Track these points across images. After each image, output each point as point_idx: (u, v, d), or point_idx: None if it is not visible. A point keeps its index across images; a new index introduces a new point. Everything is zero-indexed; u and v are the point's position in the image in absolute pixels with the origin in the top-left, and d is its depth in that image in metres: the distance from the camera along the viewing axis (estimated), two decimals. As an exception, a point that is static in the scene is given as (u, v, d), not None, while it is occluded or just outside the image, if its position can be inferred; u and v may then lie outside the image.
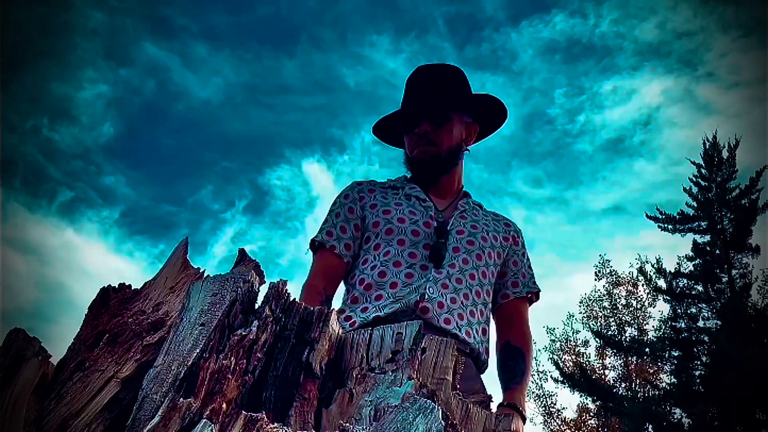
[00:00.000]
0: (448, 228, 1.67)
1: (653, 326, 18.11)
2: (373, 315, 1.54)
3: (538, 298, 1.81)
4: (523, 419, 1.56)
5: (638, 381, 18.63)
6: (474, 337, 1.59)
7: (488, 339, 1.67)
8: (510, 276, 1.77)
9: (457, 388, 1.45)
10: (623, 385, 19.08)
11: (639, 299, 20.18)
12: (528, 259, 1.83)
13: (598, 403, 16.43)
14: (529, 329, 1.79)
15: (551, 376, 18.17)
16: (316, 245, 1.71)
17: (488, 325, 1.68)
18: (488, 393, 1.46)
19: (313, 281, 1.66)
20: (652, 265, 15.77)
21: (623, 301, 20.45)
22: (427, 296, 1.54)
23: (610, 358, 20.10)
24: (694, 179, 15.38)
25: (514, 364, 1.68)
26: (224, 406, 0.69)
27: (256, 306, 0.86)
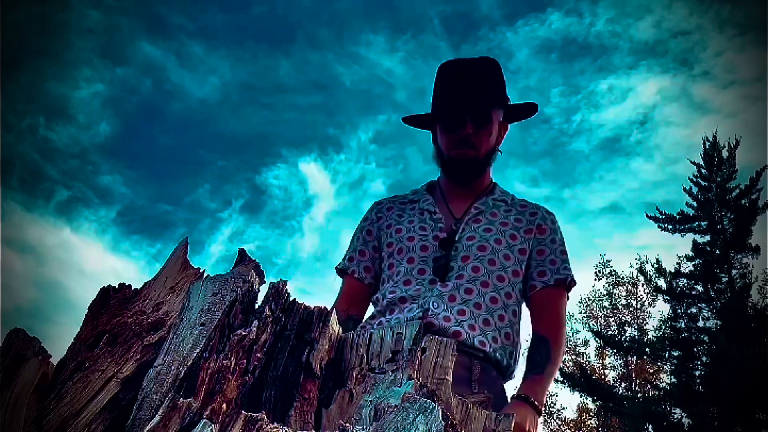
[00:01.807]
0: (458, 237, 1.65)
1: (653, 326, 18.13)
2: None
3: (574, 283, 1.70)
4: (538, 412, 1.49)
5: (638, 381, 18.63)
6: (490, 345, 1.54)
7: (515, 344, 1.62)
8: (535, 266, 1.69)
9: (475, 389, 1.43)
10: (623, 385, 19.08)
11: (639, 299, 20.19)
12: (560, 244, 1.73)
13: (598, 403, 16.42)
14: (562, 319, 1.69)
15: (551, 376, 18.13)
16: (340, 272, 1.78)
17: (513, 330, 1.62)
18: (489, 394, 1.45)
19: (337, 305, 1.72)
20: (652, 265, 15.78)
21: (623, 301, 20.46)
22: (431, 311, 1.53)
23: (610, 358, 20.10)
24: (694, 179, 15.39)
25: (537, 354, 1.62)
26: (224, 406, 0.69)
27: (256, 306, 0.86)
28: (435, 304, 1.55)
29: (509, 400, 1.54)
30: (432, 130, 1.77)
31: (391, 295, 1.61)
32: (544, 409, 1.52)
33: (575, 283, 1.71)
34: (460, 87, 1.66)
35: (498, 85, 1.69)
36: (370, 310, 1.74)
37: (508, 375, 1.60)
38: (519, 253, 1.67)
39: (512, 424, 0.82)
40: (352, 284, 1.76)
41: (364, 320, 1.68)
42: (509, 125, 1.76)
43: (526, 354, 1.64)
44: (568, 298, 1.73)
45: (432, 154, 1.78)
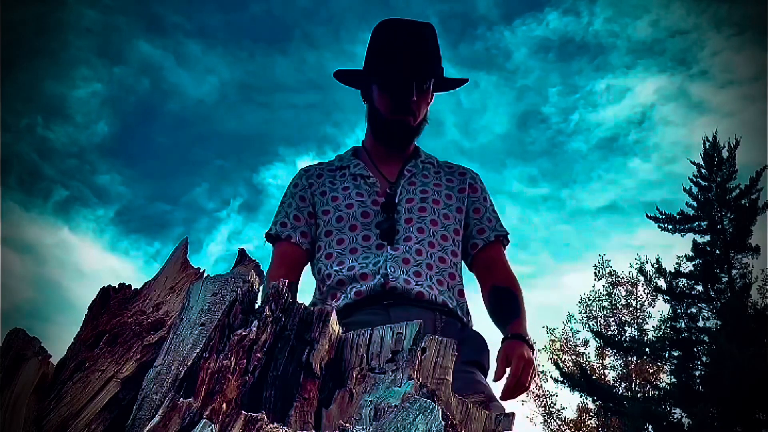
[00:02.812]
0: (397, 199, 1.65)
1: (653, 326, 18.14)
2: (344, 302, 1.54)
3: (508, 241, 1.76)
4: (531, 349, 1.55)
5: (638, 381, 18.63)
6: (452, 301, 1.58)
7: (466, 300, 1.65)
8: (474, 225, 1.73)
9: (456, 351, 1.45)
10: (623, 385, 19.08)
11: (639, 299, 20.19)
12: (491, 204, 1.78)
13: (598, 403, 16.43)
14: (511, 270, 1.74)
15: (551, 376, 18.18)
16: (272, 238, 1.72)
17: (462, 286, 1.66)
18: (489, 394, 1.46)
19: (274, 272, 1.66)
20: (652, 265, 15.79)
21: (623, 301, 20.46)
22: (391, 276, 1.53)
23: (610, 358, 20.10)
24: (694, 179, 15.40)
25: (507, 302, 1.66)
26: (224, 406, 0.69)
27: (256, 306, 0.86)
28: (392, 268, 1.54)
29: (500, 343, 1.58)
30: (365, 89, 1.74)
31: (340, 267, 1.58)
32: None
33: (509, 241, 1.77)
34: (408, 52, 1.63)
35: (438, 54, 1.68)
36: (310, 281, 1.72)
37: (470, 325, 1.64)
38: (456, 212, 1.70)
39: (512, 424, 0.82)
40: (288, 249, 1.68)
41: (317, 299, 1.65)
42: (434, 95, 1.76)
43: (487, 308, 1.69)
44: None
45: (364, 115, 1.76)
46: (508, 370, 1.50)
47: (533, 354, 1.55)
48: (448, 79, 1.73)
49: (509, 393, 1.48)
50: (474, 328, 1.66)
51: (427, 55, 1.65)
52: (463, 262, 1.73)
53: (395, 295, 1.52)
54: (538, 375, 19.48)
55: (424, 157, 1.78)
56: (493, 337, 1.68)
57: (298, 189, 1.75)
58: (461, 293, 1.64)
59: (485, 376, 1.55)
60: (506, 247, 1.77)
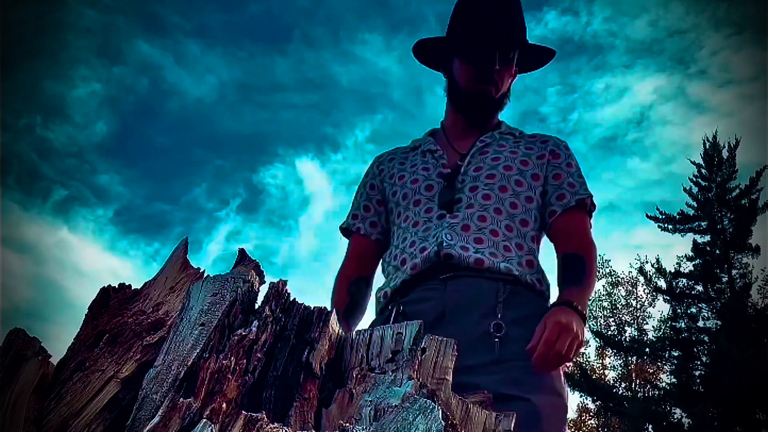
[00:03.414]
0: (463, 169, 1.56)
1: (653, 326, 18.15)
2: (401, 279, 1.48)
3: (594, 206, 1.59)
4: (582, 318, 1.37)
5: (638, 381, 18.63)
6: (517, 269, 1.44)
7: (540, 271, 1.52)
8: (553, 191, 1.58)
9: (498, 316, 1.34)
10: (623, 385, 19.08)
11: (639, 299, 20.19)
12: (576, 169, 1.61)
13: (598, 403, 16.42)
14: (590, 238, 1.57)
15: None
16: (344, 231, 1.71)
17: (536, 258, 1.52)
18: (550, 384, 1.35)
19: (342, 269, 1.67)
20: (652, 265, 15.78)
21: (623, 301, 20.46)
22: (445, 243, 1.44)
23: (610, 358, 20.11)
24: (694, 179, 15.39)
25: (571, 269, 1.50)
26: (224, 406, 0.69)
27: (256, 306, 0.86)
28: (448, 236, 1.45)
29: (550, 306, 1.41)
30: (445, 62, 1.66)
31: (402, 244, 1.53)
32: (588, 318, 1.42)
33: (595, 206, 1.60)
34: (492, 18, 1.55)
35: (524, 25, 1.61)
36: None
37: (544, 294, 1.49)
38: (532, 178, 1.56)
39: (512, 424, 0.82)
40: (358, 242, 1.68)
41: (374, 283, 1.60)
42: (518, 74, 1.66)
43: (557, 280, 1.52)
44: (590, 226, 1.60)
45: (444, 87, 1.68)
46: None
47: (583, 325, 1.36)
48: (533, 53, 1.64)
49: (539, 361, 1.30)
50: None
51: (512, 24, 1.57)
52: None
53: (451, 265, 1.42)
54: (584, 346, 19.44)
55: (504, 128, 1.67)
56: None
57: (368, 177, 1.73)
58: (531, 264, 1.49)
59: None
60: (592, 215, 1.60)
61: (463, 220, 1.48)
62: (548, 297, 1.51)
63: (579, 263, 1.51)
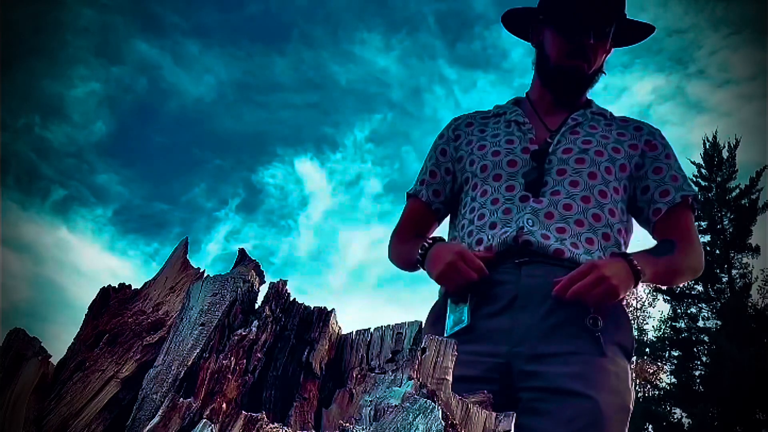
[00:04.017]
0: (551, 149, 1.47)
1: (653, 326, 18.12)
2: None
3: (698, 204, 1.52)
4: (635, 273, 1.30)
5: (638, 381, 18.63)
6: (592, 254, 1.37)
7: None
8: (654, 187, 1.48)
9: (591, 310, 1.26)
10: (623, 385, 19.07)
11: (639, 299, 20.18)
12: (676, 161, 1.52)
13: (598, 403, 16.40)
14: (694, 233, 1.48)
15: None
16: (408, 195, 1.64)
17: (621, 250, 1.44)
18: (615, 388, 1.29)
19: (398, 229, 1.62)
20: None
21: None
22: (526, 229, 1.36)
23: (610, 358, 20.08)
24: (694, 179, 15.39)
25: (659, 246, 1.44)
26: (224, 406, 0.69)
27: (256, 306, 0.86)
28: (530, 221, 1.38)
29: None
30: (535, 32, 1.58)
31: (480, 221, 1.44)
32: (643, 278, 1.32)
33: (699, 203, 1.53)
34: None
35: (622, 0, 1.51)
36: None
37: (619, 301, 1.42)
38: (620, 169, 1.47)
39: (512, 424, 0.81)
40: (416, 207, 1.61)
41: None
42: (613, 48, 1.57)
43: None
44: (693, 221, 1.52)
45: (532, 60, 1.61)
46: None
47: (629, 278, 1.29)
48: (631, 28, 1.56)
49: (559, 291, 1.27)
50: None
51: None
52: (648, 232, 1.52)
53: (529, 251, 1.36)
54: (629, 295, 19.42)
55: (595, 108, 1.59)
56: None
57: (442, 141, 1.63)
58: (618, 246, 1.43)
59: (628, 359, 1.36)
60: (696, 211, 1.52)
61: (547, 206, 1.40)
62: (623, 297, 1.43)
63: (669, 244, 1.44)
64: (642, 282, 1.35)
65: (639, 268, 1.31)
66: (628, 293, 1.34)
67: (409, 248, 1.53)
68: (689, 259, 1.46)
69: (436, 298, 1.51)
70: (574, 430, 1.19)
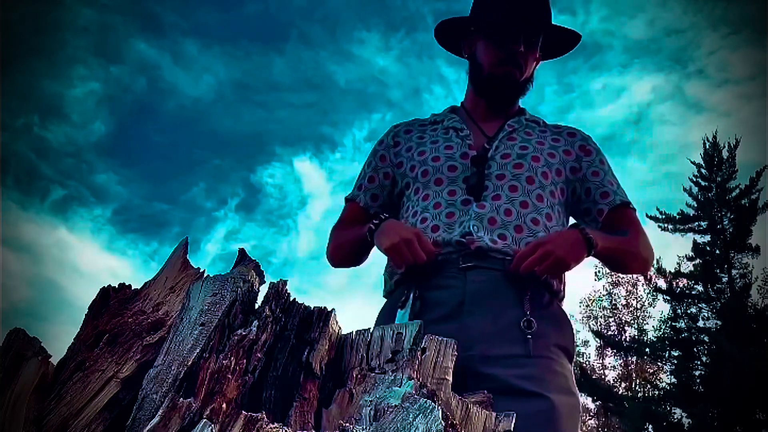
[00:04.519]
0: (490, 154, 1.51)
1: (653, 326, 18.12)
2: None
3: (634, 210, 1.57)
4: (588, 244, 1.36)
5: (638, 381, 18.63)
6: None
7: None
8: (595, 189, 1.55)
9: (527, 312, 1.32)
10: (623, 385, 19.08)
11: (639, 299, 20.19)
12: (609, 167, 1.60)
13: (598, 403, 16.42)
14: (640, 228, 1.54)
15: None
16: (346, 200, 1.67)
17: None
18: (565, 386, 1.33)
19: (338, 226, 1.64)
20: (652, 265, 15.76)
21: (623, 301, 20.46)
22: (474, 235, 1.40)
23: (610, 358, 20.11)
24: (694, 179, 15.39)
25: (613, 231, 1.48)
26: (224, 406, 0.69)
27: (256, 306, 0.86)
28: (475, 227, 1.41)
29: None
30: (467, 43, 1.63)
31: (422, 225, 1.46)
32: (596, 248, 1.37)
33: (635, 210, 1.58)
34: (518, 1, 1.52)
35: (548, 7, 1.57)
36: None
37: (560, 297, 1.48)
38: (556, 174, 1.53)
39: (512, 424, 0.82)
40: (354, 211, 1.63)
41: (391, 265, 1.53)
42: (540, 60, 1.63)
43: None
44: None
45: (466, 70, 1.64)
46: None
47: (580, 247, 1.35)
48: (558, 37, 1.61)
49: (513, 267, 1.34)
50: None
51: (538, 4, 1.54)
52: None
53: (475, 256, 1.39)
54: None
55: (529, 116, 1.64)
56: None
57: (381, 147, 1.66)
58: None
59: (570, 362, 1.40)
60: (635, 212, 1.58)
61: (490, 211, 1.44)
62: (562, 297, 1.48)
63: (621, 231, 1.50)
64: (596, 254, 1.41)
65: (591, 236, 1.37)
66: (579, 262, 1.39)
67: (355, 230, 1.55)
68: (641, 245, 1.52)
69: None
70: (531, 427, 1.20)
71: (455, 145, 1.55)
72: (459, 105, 1.69)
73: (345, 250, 1.61)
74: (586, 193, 1.56)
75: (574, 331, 1.50)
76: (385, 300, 1.53)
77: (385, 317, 1.46)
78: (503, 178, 1.48)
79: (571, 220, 1.60)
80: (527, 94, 1.62)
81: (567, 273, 1.47)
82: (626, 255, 1.51)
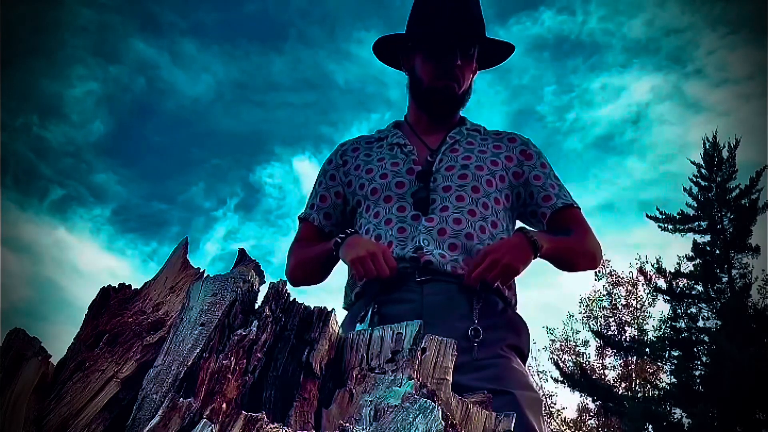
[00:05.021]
0: (435, 167, 1.55)
1: (653, 326, 18.13)
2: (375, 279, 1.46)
3: (579, 209, 1.63)
4: (533, 246, 1.41)
5: (638, 381, 18.63)
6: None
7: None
8: (537, 192, 1.60)
9: (475, 321, 1.37)
10: (623, 385, 19.08)
11: (639, 299, 20.18)
12: (551, 170, 1.65)
13: (598, 403, 16.43)
14: (586, 225, 1.59)
15: (551, 376, 18.18)
16: (299, 220, 1.70)
17: None
18: (524, 381, 1.38)
19: (295, 246, 1.66)
20: (652, 265, 15.78)
21: (623, 301, 20.45)
22: (425, 249, 1.44)
23: (610, 358, 20.10)
24: (694, 179, 15.39)
25: (556, 231, 1.54)
26: (224, 406, 0.69)
27: (256, 306, 0.86)
28: (425, 240, 1.45)
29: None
30: (406, 58, 1.66)
31: (377, 242, 1.48)
32: (542, 250, 1.43)
33: (580, 209, 1.63)
34: (454, 14, 1.56)
35: (482, 20, 1.61)
36: None
37: (512, 304, 1.52)
38: (499, 180, 1.58)
39: (512, 424, 0.82)
40: (308, 230, 1.66)
41: (350, 280, 1.58)
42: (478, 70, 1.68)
43: None
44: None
45: (405, 84, 1.69)
46: None
47: (525, 250, 1.41)
48: (493, 49, 1.65)
49: (467, 279, 1.40)
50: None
51: (472, 19, 1.58)
52: None
53: (429, 270, 1.43)
54: (539, 375, 19.42)
55: (469, 125, 1.68)
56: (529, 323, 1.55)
57: (330, 167, 1.69)
58: None
59: (524, 363, 1.47)
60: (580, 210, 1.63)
61: (438, 223, 1.48)
62: (511, 302, 1.52)
63: (564, 230, 1.55)
64: (543, 256, 1.47)
65: (535, 239, 1.43)
66: (527, 266, 1.43)
67: (319, 247, 1.59)
68: (587, 242, 1.58)
69: None
70: None
71: (401, 161, 1.59)
72: (402, 119, 1.74)
73: (307, 266, 1.63)
74: (529, 197, 1.61)
75: (530, 335, 1.54)
76: (346, 312, 1.58)
77: (346, 329, 1.48)
78: (449, 189, 1.52)
79: (519, 223, 1.64)
80: (466, 104, 1.66)
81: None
82: (572, 253, 1.57)
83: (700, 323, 14.31)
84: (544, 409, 1.44)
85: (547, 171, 1.64)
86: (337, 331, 0.87)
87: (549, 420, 19.21)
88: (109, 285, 0.91)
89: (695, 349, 13.96)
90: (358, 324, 1.41)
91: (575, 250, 1.56)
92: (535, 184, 1.61)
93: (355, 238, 1.47)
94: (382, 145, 1.66)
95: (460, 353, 1.36)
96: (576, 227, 1.58)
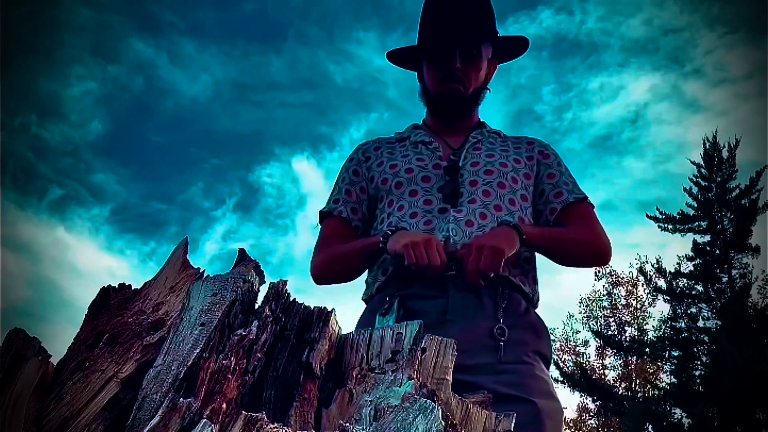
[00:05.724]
0: (461, 163, 1.56)
1: (653, 326, 18.14)
2: (397, 270, 1.45)
3: (591, 205, 1.62)
4: (519, 233, 1.40)
5: (638, 381, 18.63)
6: (510, 270, 1.45)
7: (533, 267, 1.54)
8: (550, 190, 1.61)
9: (500, 321, 1.36)
10: (623, 385, 19.09)
11: (639, 299, 20.18)
12: (566, 169, 1.66)
13: (598, 403, 16.43)
14: (592, 223, 1.58)
15: (551, 376, 18.19)
16: (323, 215, 1.66)
17: (531, 254, 1.53)
18: (546, 390, 1.37)
19: (322, 244, 1.61)
20: (652, 265, 15.78)
21: (623, 301, 20.46)
22: (452, 239, 1.43)
23: (610, 358, 20.11)
24: (694, 179, 15.39)
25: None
26: (224, 406, 0.69)
27: (256, 306, 0.86)
28: (454, 231, 1.44)
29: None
30: (418, 66, 1.69)
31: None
32: (525, 236, 1.42)
33: (593, 205, 1.62)
34: (450, 18, 1.56)
35: (489, 18, 1.60)
36: None
37: (534, 303, 1.51)
38: (524, 177, 1.59)
39: (512, 425, 0.82)
40: (337, 226, 1.62)
41: (371, 276, 1.57)
42: (498, 64, 1.69)
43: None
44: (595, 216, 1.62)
45: (417, 93, 1.71)
46: None
47: (510, 239, 1.38)
48: (504, 41, 1.65)
49: (467, 277, 1.36)
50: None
51: (472, 19, 1.57)
52: None
53: (456, 260, 1.40)
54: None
55: (489, 128, 1.70)
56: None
57: (353, 163, 1.69)
58: (528, 260, 1.52)
59: (548, 367, 1.46)
60: (593, 207, 1.63)
61: (467, 215, 1.47)
62: (537, 300, 1.51)
63: (560, 227, 1.55)
64: (533, 243, 1.46)
65: (516, 223, 1.43)
66: (514, 247, 1.40)
67: (360, 241, 1.56)
68: (583, 232, 1.55)
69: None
70: (517, 428, 1.22)
71: (426, 157, 1.60)
72: (421, 123, 1.74)
73: (345, 261, 1.58)
74: (539, 195, 1.62)
75: (551, 339, 1.54)
76: (365, 303, 1.56)
77: (365, 322, 1.49)
78: (476, 183, 1.52)
79: None
80: (482, 102, 1.67)
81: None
82: (567, 242, 1.54)
83: (700, 323, 14.31)
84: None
85: (562, 169, 1.65)
86: (337, 331, 0.87)
87: (549, 420, 19.16)
88: (109, 285, 0.91)
89: (695, 349, 13.96)
90: (379, 317, 1.39)
91: (571, 238, 1.54)
92: (549, 182, 1.62)
93: (407, 231, 1.45)
94: (405, 144, 1.67)
95: (484, 353, 1.36)
96: (580, 221, 1.57)
